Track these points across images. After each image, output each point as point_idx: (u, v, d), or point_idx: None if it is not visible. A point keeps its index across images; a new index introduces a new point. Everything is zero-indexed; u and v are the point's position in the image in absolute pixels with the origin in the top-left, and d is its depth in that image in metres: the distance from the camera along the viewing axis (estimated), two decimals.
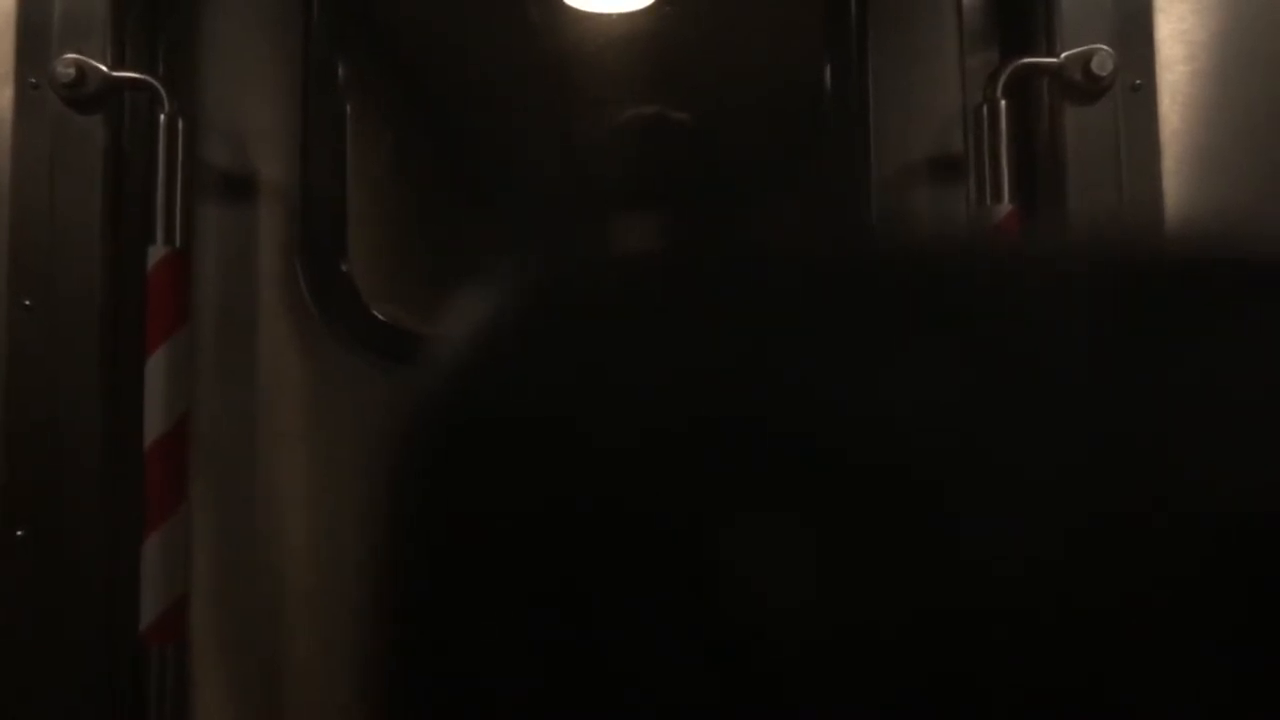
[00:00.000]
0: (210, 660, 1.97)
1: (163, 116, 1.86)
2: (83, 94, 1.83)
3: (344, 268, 2.06)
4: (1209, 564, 0.34)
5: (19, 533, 1.80)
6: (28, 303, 1.82)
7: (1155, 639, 0.34)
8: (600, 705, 0.35)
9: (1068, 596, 0.33)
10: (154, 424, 1.82)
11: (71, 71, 1.82)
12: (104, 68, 1.84)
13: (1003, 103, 1.84)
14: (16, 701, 1.80)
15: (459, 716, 0.38)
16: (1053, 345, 0.36)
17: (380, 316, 2.03)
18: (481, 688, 0.37)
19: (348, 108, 2.06)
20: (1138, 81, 1.86)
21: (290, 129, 2.03)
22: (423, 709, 0.39)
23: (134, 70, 1.89)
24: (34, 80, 1.84)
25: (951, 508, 0.34)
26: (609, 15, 2.10)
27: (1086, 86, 1.85)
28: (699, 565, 0.35)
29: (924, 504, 0.34)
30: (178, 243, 1.87)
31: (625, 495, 0.36)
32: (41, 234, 1.83)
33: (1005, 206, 1.84)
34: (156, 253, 1.85)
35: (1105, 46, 1.84)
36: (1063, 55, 1.86)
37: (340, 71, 2.06)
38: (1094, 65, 1.84)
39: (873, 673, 0.33)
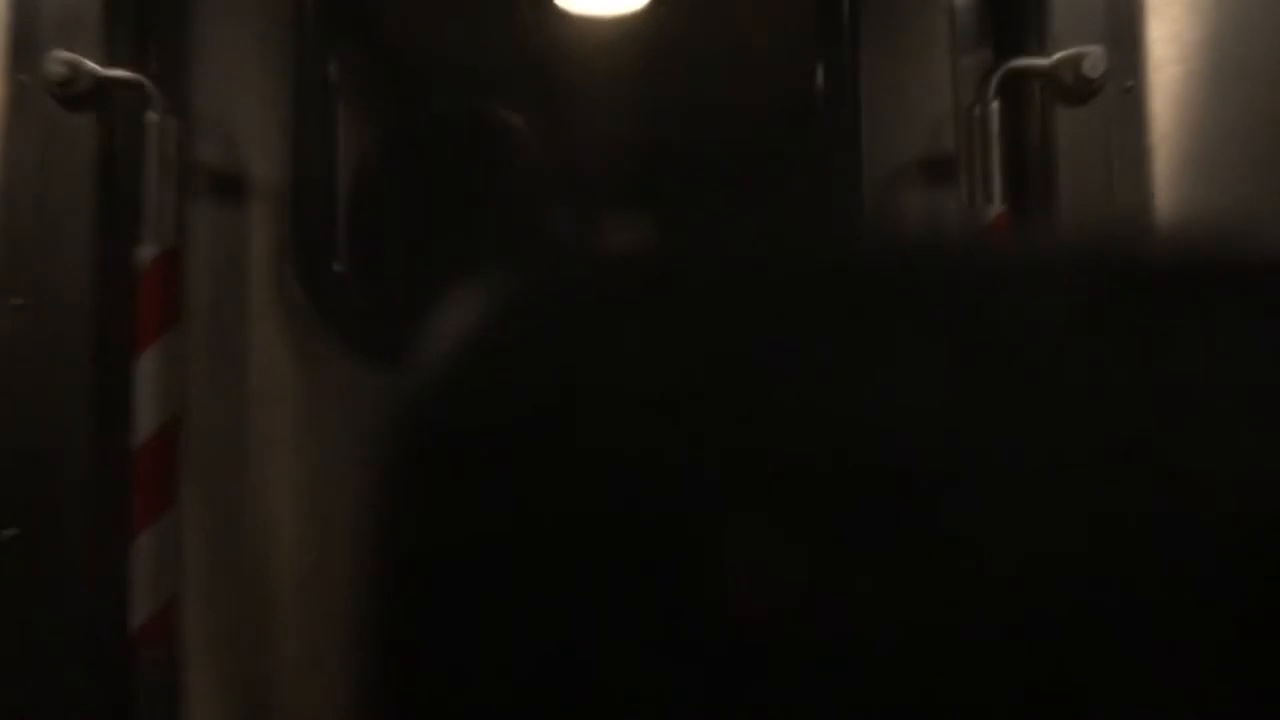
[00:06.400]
0: (201, 661, 1.96)
1: (153, 115, 1.86)
2: (73, 92, 1.83)
3: (336, 267, 2.05)
4: (1201, 563, 0.34)
5: (9, 532, 1.79)
6: (17, 302, 1.82)
7: (1155, 640, 0.34)
8: (593, 708, 0.35)
9: (1065, 595, 0.34)
10: (144, 424, 1.82)
11: (62, 70, 1.81)
12: (95, 66, 1.84)
13: (994, 104, 1.85)
14: (6, 701, 1.79)
15: (449, 718, 0.38)
16: (1042, 346, 0.36)
17: (372, 317, 2.03)
18: (472, 690, 0.37)
19: (339, 107, 2.06)
20: (1129, 83, 1.86)
21: (282, 128, 2.02)
22: (413, 711, 0.39)
23: (125, 69, 1.88)
24: (24, 78, 1.83)
25: (940, 507, 0.34)
26: (601, 17, 2.10)
27: (1078, 88, 1.85)
28: (694, 567, 0.35)
29: (913, 503, 0.34)
30: (168, 242, 1.86)
31: (617, 496, 0.36)
32: (31, 233, 1.83)
33: (996, 208, 1.84)
34: (147, 252, 1.85)
35: (1097, 48, 1.85)
36: (1054, 57, 1.86)
37: (332, 70, 2.06)
38: (1085, 67, 1.84)
39: (872, 677, 0.33)
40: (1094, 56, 1.84)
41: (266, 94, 2.02)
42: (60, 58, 1.82)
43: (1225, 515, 0.34)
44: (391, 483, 0.41)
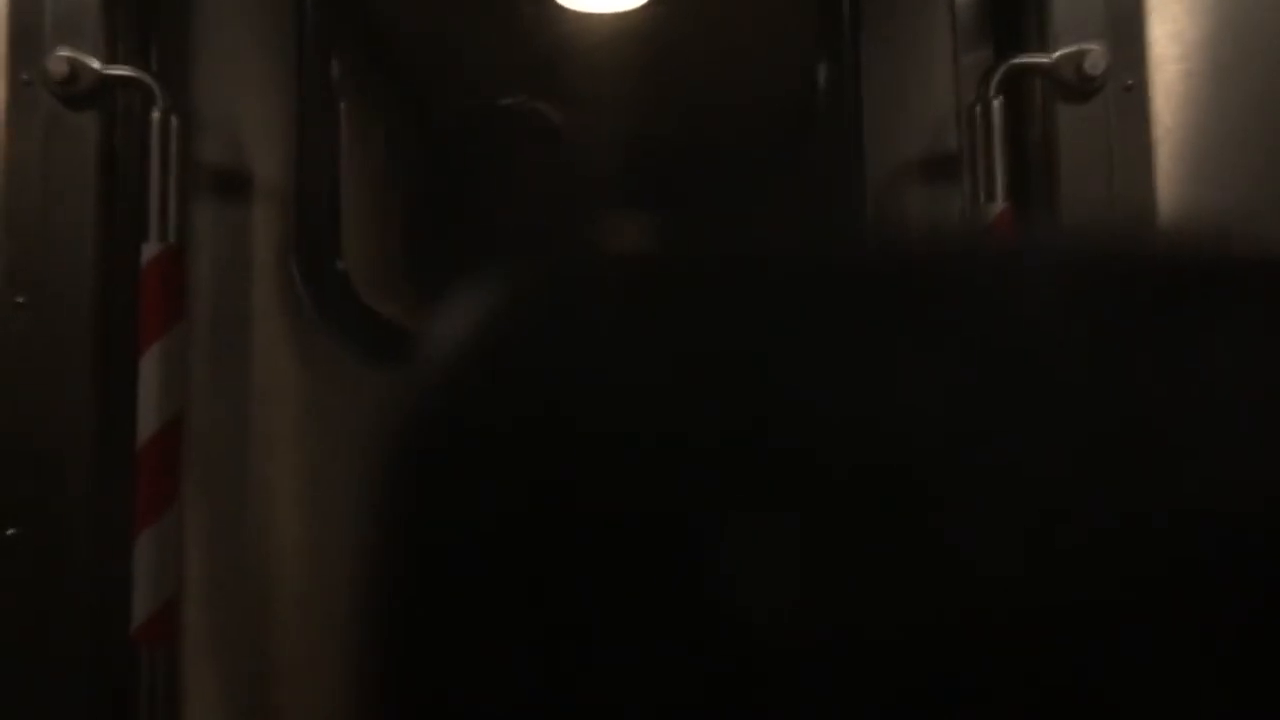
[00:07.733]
0: (202, 660, 1.96)
1: (156, 113, 1.86)
2: (75, 91, 1.83)
3: (339, 265, 2.05)
4: (1204, 565, 0.34)
5: (10, 531, 1.80)
6: (20, 300, 1.82)
7: (1154, 640, 0.34)
8: (595, 708, 0.35)
9: (1064, 598, 0.34)
10: (147, 422, 1.82)
11: (64, 68, 1.81)
12: (97, 64, 1.84)
13: (996, 102, 1.85)
14: (6, 701, 1.79)
15: (450, 718, 0.38)
16: (1044, 343, 0.36)
17: (375, 314, 2.03)
18: (475, 692, 0.37)
19: (342, 104, 2.06)
20: (1130, 81, 1.86)
21: (284, 126, 2.02)
22: (413, 711, 0.39)
23: (127, 67, 1.88)
24: (26, 77, 1.83)
25: (943, 508, 0.34)
26: (602, 15, 2.10)
27: (1079, 86, 1.85)
28: (692, 568, 0.35)
29: (914, 504, 0.34)
30: (171, 240, 1.86)
31: (620, 496, 0.36)
32: (34, 231, 1.83)
33: (999, 205, 1.84)
34: (150, 250, 1.85)
35: (1098, 46, 1.85)
36: (1055, 55, 1.86)
37: (334, 68, 2.06)
38: (1086, 65, 1.84)
39: (874, 678, 0.34)
40: (1095, 54, 1.84)
41: (269, 92, 2.02)
42: (62, 56, 1.82)
43: (1228, 515, 0.34)
44: (393, 482, 0.41)
